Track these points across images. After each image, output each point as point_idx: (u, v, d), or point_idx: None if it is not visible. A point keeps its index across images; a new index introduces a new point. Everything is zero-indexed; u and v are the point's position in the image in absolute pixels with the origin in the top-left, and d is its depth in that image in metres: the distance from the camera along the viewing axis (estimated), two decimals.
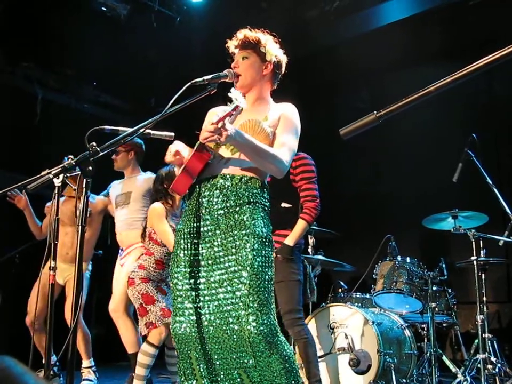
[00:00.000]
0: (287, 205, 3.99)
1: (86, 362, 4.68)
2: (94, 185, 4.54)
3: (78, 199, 2.28)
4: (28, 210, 4.74)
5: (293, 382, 2.31)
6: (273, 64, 2.66)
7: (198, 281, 2.42)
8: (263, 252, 2.36)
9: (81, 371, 4.64)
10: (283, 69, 2.74)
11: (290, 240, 3.83)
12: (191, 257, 2.44)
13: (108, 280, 4.76)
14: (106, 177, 4.82)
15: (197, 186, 2.51)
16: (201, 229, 2.46)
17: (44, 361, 4.24)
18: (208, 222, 2.45)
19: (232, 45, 2.68)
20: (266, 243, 2.40)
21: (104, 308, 4.69)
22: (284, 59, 2.73)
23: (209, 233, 2.44)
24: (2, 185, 2.45)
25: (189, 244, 2.46)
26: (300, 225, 3.86)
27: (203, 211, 2.47)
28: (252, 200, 2.44)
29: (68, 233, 4.67)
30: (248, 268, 2.30)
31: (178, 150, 2.52)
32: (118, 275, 4.49)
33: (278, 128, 2.56)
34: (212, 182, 2.47)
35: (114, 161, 4.68)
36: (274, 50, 2.67)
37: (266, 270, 2.35)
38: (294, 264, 3.86)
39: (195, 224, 2.47)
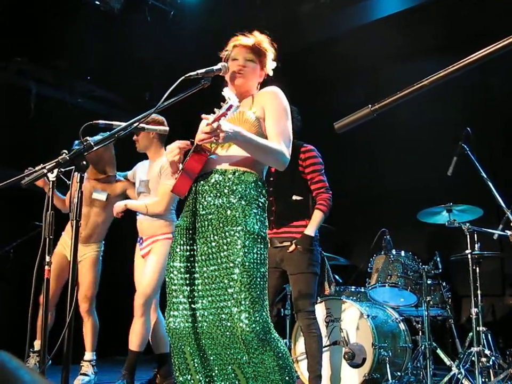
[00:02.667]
0: (298, 198, 4.02)
1: (88, 355, 4.55)
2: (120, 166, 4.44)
3: (71, 193, 2.27)
4: (48, 186, 4.55)
5: (287, 378, 2.31)
6: (266, 74, 2.75)
7: (192, 277, 2.43)
8: (255, 248, 2.35)
9: (81, 364, 4.54)
10: None
11: (310, 231, 3.87)
12: (187, 253, 2.46)
13: (103, 272, 4.74)
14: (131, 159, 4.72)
15: (194, 183, 2.53)
16: (196, 225, 2.47)
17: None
18: (202, 218, 2.46)
19: (242, 42, 2.69)
20: (259, 240, 2.38)
21: (100, 300, 4.67)
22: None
23: (203, 229, 2.45)
24: None
25: (185, 239, 2.47)
26: (318, 216, 3.90)
27: (198, 207, 2.48)
28: (244, 195, 2.43)
29: (84, 213, 4.34)
30: (239, 265, 2.30)
31: (180, 146, 2.53)
32: (141, 267, 4.31)
33: (268, 115, 2.57)
34: (206, 179, 2.49)
35: (136, 142, 4.40)
36: (271, 63, 2.74)
37: (258, 267, 2.34)
38: (312, 255, 3.89)
39: (191, 220, 2.49)
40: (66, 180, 2.47)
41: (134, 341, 4.16)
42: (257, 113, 2.55)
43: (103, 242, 4.80)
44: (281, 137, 2.52)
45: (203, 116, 2.34)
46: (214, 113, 2.30)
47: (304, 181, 4.01)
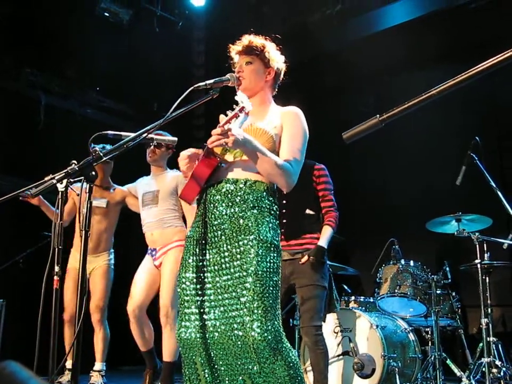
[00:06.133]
0: (311, 212, 4.06)
1: (98, 365, 4.54)
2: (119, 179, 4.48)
3: (81, 205, 2.27)
4: (43, 204, 4.52)
5: None
6: (275, 71, 2.67)
7: (204, 287, 2.42)
8: (268, 257, 2.34)
9: (91, 374, 4.51)
10: (281, 77, 2.75)
11: (323, 243, 3.88)
12: (199, 263, 2.44)
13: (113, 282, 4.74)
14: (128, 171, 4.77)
15: (205, 192, 2.52)
16: (209, 235, 2.46)
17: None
18: (214, 228, 2.45)
19: (235, 49, 2.68)
20: (272, 248, 2.37)
21: (108, 310, 4.66)
22: (283, 67, 2.74)
23: (216, 239, 2.44)
24: (7, 191, 2.46)
25: (197, 250, 2.46)
26: (328, 231, 3.94)
27: (210, 217, 2.47)
28: (256, 204, 2.42)
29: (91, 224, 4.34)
30: (252, 274, 2.28)
31: (191, 155, 2.52)
32: (152, 277, 4.36)
33: (284, 133, 2.54)
34: (217, 188, 2.47)
35: (152, 152, 4.41)
36: (277, 57, 2.68)
37: (271, 275, 2.33)
38: (323, 269, 3.89)
39: (203, 230, 2.48)
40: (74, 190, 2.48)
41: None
42: (274, 130, 2.52)
43: (113, 251, 4.80)
44: (292, 158, 2.47)
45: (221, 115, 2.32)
46: (226, 115, 2.28)
47: (317, 197, 4.07)
